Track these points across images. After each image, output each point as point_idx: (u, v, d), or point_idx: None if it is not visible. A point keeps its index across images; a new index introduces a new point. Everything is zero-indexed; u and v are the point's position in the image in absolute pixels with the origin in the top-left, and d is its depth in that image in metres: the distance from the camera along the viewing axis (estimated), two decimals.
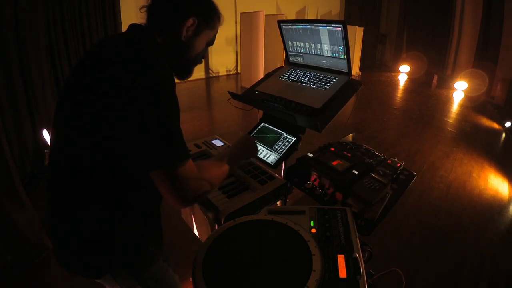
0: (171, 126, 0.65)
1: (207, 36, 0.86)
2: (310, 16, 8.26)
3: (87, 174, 0.69)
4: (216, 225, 1.00)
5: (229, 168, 0.89)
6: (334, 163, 1.08)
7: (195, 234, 1.41)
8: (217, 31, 0.90)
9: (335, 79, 1.25)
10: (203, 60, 0.91)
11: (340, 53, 1.22)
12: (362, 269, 0.62)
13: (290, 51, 1.45)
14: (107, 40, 0.75)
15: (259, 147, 1.28)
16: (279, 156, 1.21)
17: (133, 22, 0.80)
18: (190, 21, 0.79)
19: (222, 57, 7.18)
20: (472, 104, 5.42)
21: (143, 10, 0.80)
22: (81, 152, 0.69)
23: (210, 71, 7.07)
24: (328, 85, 1.23)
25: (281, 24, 1.37)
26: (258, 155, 1.25)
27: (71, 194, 0.72)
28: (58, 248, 0.78)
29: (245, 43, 5.97)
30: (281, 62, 5.56)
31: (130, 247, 0.77)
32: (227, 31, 7.05)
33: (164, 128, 0.64)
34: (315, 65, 1.37)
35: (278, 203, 1.22)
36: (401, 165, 1.09)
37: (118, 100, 0.63)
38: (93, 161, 0.68)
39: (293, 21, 1.32)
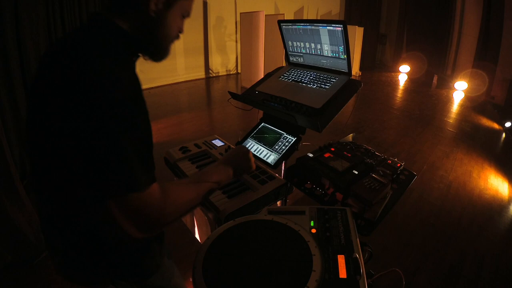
0: (120, 148, 0.54)
1: (181, 6, 0.70)
2: (310, 16, 8.26)
3: (64, 185, 0.63)
4: (216, 225, 1.00)
5: (212, 186, 0.78)
6: (334, 163, 1.08)
7: (195, 234, 1.42)
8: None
9: (335, 79, 1.25)
10: (180, 35, 0.75)
11: (340, 53, 1.22)
12: (362, 270, 0.62)
13: (290, 51, 1.45)
14: (58, 44, 0.65)
15: (260, 147, 1.28)
16: (279, 156, 1.21)
17: None
18: None
19: (222, 57, 7.18)
20: (472, 104, 5.42)
21: None
22: (53, 163, 0.62)
23: (210, 71, 7.07)
24: (328, 85, 1.23)
25: (281, 24, 1.37)
26: (258, 155, 1.25)
27: (55, 203, 0.67)
28: (54, 256, 0.75)
29: (245, 43, 5.97)
30: (281, 62, 5.56)
31: (126, 258, 0.73)
32: (226, 31, 7.05)
33: (111, 152, 0.54)
34: (315, 65, 1.37)
35: (278, 203, 1.22)
36: (401, 165, 1.09)
37: (60, 119, 0.56)
38: (65, 174, 0.61)
39: (293, 21, 1.32)
